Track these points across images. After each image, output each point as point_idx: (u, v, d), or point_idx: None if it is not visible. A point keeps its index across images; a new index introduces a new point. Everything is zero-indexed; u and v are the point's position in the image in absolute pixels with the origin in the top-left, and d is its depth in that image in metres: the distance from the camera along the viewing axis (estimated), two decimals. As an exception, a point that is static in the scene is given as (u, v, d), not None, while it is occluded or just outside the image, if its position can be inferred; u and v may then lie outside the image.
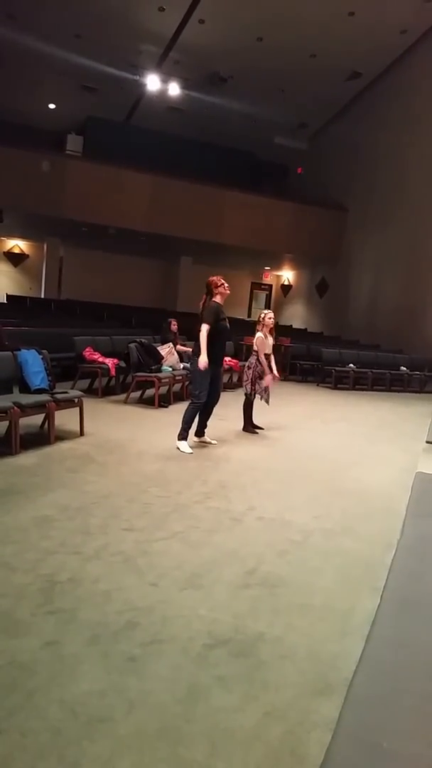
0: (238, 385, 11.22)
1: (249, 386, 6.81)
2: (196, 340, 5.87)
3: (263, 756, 1.90)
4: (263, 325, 6.84)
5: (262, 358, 6.78)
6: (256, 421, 7.07)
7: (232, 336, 6.02)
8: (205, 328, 5.67)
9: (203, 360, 5.62)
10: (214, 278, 5.88)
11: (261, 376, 6.80)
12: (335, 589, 3.11)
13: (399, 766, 1.54)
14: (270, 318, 6.92)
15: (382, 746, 1.58)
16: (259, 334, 6.81)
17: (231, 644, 2.50)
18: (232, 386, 10.79)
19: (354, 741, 1.60)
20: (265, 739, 1.98)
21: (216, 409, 6.20)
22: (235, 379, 11.30)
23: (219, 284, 5.84)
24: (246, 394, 6.89)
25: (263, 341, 6.81)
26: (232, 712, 2.09)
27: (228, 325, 5.95)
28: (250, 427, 6.97)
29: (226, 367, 10.42)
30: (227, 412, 7.41)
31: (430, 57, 15.80)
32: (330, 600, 2.98)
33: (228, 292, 5.90)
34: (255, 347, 6.85)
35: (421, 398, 12.48)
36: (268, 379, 6.80)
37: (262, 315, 6.94)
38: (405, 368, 14.00)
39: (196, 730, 1.99)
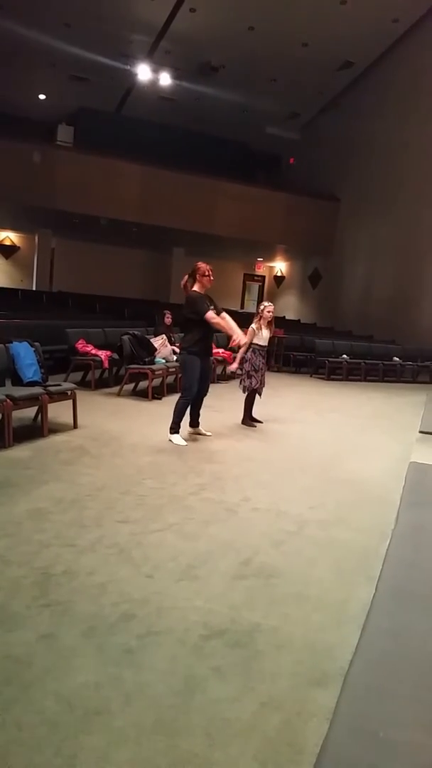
0: (232, 377, 11.22)
1: (246, 380, 6.78)
2: (186, 334, 5.86)
3: (261, 746, 1.90)
4: (261, 317, 6.79)
5: (243, 340, 6.28)
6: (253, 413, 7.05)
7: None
8: (210, 315, 5.61)
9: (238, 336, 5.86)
10: (203, 266, 5.77)
11: (256, 369, 6.77)
12: (330, 579, 3.11)
13: (395, 755, 1.54)
14: (269, 312, 6.82)
15: (379, 735, 1.58)
16: (252, 326, 6.76)
17: (227, 635, 2.50)
18: (225, 378, 10.77)
19: (351, 730, 1.61)
20: (263, 729, 1.97)
21: (210, 401, 6.18)
22: (226, 369, 11.27)
23: (205, 274, 5.74)
24: (243, 388, 6.84)
25: (252, 332, 6.72)
26: (229, 703, 2.08)
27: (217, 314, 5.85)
28: (248, 420, 6.94)
29: (219, 358, 10.44)
30: (221, 404, 7.41)
31: (422, 46, 15.74)
32: (325, 590, 2.99)
33: (210, 285, 5.81)
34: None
35: (413, 388, 12.52)
36: (232, 367, 6.66)
37: (262, 307, 6.85)
38: (398, 359, 14.04)
39: (193, 721, 1.99)
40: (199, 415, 6.14)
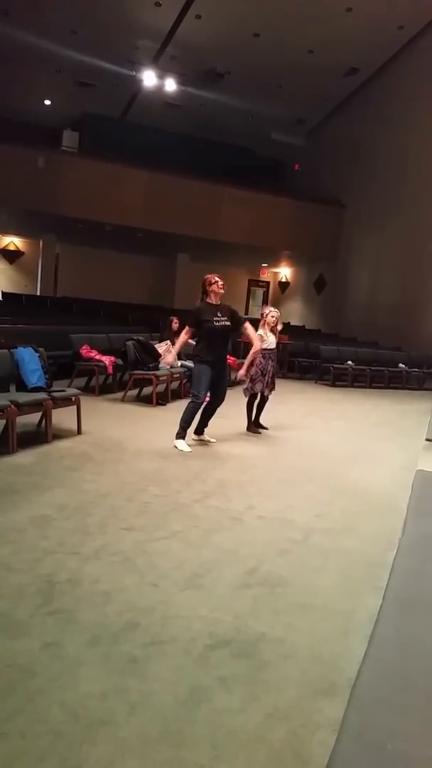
0: (236, 382, 11.19)
1: (249, 384, 6.75)
2: (195, 343, 5.90)
3: (266, 758, 1.88)
4: (265, 323, 6.77)
5: (256, 347, 6.49)
6: (260, 419, 7.02)
7: (231, 334, 5.96)
8: (184, 331, 5.88)
9: (169, 358, 6.71)
10: (208, 276, 5.84)
11: (263, 373, 6.75)
12: (337, 589, 3.09)
13: (405, 769, 1.52)
14: (272, 317, 6.78)
15: (388, 748, 1.56)
16: (259, 332, 6.71)
17: (232, 645, 2.48)
18: (229, 384, 10.73)
19: (359, 742, 1.58)
20: (268, 740, 1.96)
21: (216, 408, 6.17)
22: (232, 376, 11.24)
23: (212, 282, 5.78)
24: (246, 391, 6.82)
25: (261, 338, 6.69)
26: (234, 714, 2.07)
27: (217, 325, 5.73)
28: (253, 426, 6.90)
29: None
30: (227, 410, 7.35)
31: (427, 53, 15.77)
32: (332, 599, 2.96)
33: (222, 291, 5.81)
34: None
35: (419, 395, 12.47)
36: (241, 374, 6.62)
37: (266, 312, 6.84)
38: (403, 365, 13.98)
39: (199, 732, 1.97)
40: (207, 425, 6.12)
